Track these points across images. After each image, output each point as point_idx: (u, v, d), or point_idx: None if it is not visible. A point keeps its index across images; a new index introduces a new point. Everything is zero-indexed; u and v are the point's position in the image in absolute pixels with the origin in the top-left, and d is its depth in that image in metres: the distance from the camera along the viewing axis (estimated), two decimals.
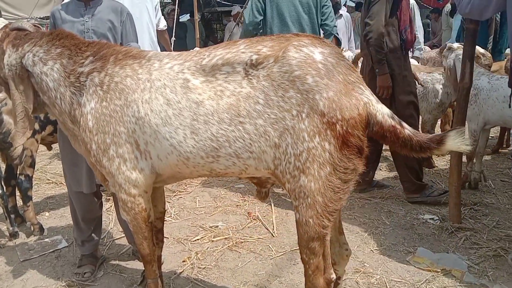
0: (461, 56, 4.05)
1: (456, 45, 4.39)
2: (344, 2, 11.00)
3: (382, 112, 1.67)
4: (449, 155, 3.74)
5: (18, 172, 3.39)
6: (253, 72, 1.72)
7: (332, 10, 4.14)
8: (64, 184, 4.40)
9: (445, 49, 4.38)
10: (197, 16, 7.70)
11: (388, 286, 2.60)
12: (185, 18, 10.44)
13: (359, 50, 6.98)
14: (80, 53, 2.07)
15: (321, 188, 1.66)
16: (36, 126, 3.31)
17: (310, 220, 1.70)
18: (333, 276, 1.87)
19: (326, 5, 4.06)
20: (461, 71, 3.15)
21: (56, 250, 3.15)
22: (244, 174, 1.90)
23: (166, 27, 5.09)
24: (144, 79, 1.89)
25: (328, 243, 1.82)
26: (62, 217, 3.75)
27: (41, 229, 3.40)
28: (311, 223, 1.70)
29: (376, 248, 3.06)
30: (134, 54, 2.00)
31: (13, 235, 3.30)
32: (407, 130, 1.68)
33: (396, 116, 1.71)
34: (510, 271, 2.71)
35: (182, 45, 7.97)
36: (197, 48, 6.87)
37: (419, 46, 6.00)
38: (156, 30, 4.60)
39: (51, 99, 2.13)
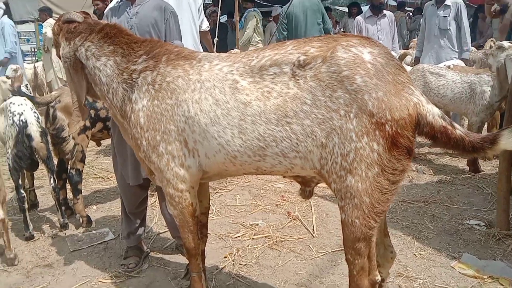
0: None
1: (507, 44, 4.23)
2: (386, 1, 10.81)
3: (433, 112, 1.64)
4: (497, 160, 3.61)
5: (69, 167, 3.55)
6: (300, 73, 1.73)
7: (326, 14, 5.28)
8: (110, 179, 4.61)
9: (494, 48, 4.23)
10: (237, 17, 7.76)
11: None
12: (223, 19, 10.55)
13: (403, 50, 6.88)
14: (133, 52, 2.14)
15: (368, 188, 1.65)
16: (87, 123, 3.46)
17: (357, 220, 1.69)
18: (378, 277, 1.85)
19: (324, 12, 5.72)
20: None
21: (103, 242, 3.28)
22: (289, 173, 1.92)
23: (209, 28, 5.17)
24: (194, 79, 1.94)
25: (374, 245, 1.81)
26: (108, 211, 3.89)
27: (89, 221, 3.55)
28: (357, 223, 1.70)
29: (420, 252, 3.00)
30: (186, 55, 2.06)
31: (64, 226, 3.46)
32: (459, 130, 1.65)
33: (447, 117, 1.68)
34: None
35: (222, 46, 8.07)
36: (236, 50, 6.94)
37: (466, 47, 5.81)
38: (199, 31, 4.69)
39: (103, 92, 2.22)
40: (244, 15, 7.70)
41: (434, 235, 3.25)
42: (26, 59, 10.55)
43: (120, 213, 3.09)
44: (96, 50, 2.18)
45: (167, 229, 3.24)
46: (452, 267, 2.81)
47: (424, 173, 4.67)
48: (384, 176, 1.64)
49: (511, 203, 3.28)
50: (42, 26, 8.56)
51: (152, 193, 4.01)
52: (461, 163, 4.94)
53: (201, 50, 4.64)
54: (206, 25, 4.94)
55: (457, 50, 5.91)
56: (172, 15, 2.79)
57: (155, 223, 3.59)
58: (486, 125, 5.24)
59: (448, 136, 1.64)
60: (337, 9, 12.60)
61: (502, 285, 2.61)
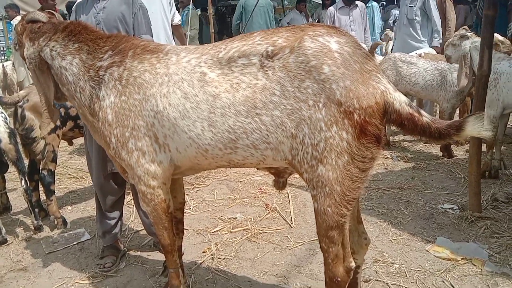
0: (478, 44, 3.99)
1: (469, 33, 4.32)
2: None
3: (400, 100, 1.66)
4: (468, 143, 3.70)
5: (41, 167, 3.47)
6: (268, 64, 1.72)
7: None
8: (85, 178, 4.53)
9: (456, 38, 4.30)
10: (211, 10, 7.70)
11: (407, 275, 2.60)
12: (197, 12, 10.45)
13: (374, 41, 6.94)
14: (98, 48, 2.10)
15: (339, 177, 1.66)
16: (57, 122, 3.38)
17: (329, 209, 1.71)
18: (353, 264, 1.87)
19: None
20: (479, 58, 3.10)
21: (79, 242, 3.23)
22: (262, 165, 1.91)
23: (181, 22, 5.11)
24: (162, 73, 1.92)
25: (347, 232, 1.83)
26: (84, 211, 3.83)
27: (64, 222, 3.48)
28: (330, 212, 1.71)
29: (395, 238, 3.06)
30: (152, 49, 2.03)
31: (38, 229, 3.39)
32: (425, 117, 1.67)
33: (413, 104, 1.70)
34: None
35: (197, 40, 8.00)
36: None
37: (437, 35, 5.90)
38: (171, 25, 4.64)
39: (71, 91, 2.18)
40: (184, 13, 7.64)
41: (409, 220, 3.31)
42: None
43: (95, 213, 3.04)
44: (61, 49, 2.14)
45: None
46: (427, 250, 2.87)
47: (398, 160, 4.75)
48: (354, 164, 1.65)
49: (482, 186, 3.37)
50: (11, 23, 8.34)
51: (128, 191, 3.96)
52: (435, 150, 5.04)
53: (174, 44, 4.59)
54: (178, 19, 4.90)
55: (423, 39, 5.97)
56: (140, 8, 2.74)
57: (132, 221, 3.55)
58: (457, 111, 5.34)
59: (415, 123, 1.66)
60: (312, 1, 12.62)
61: (475, 265, 2.68)
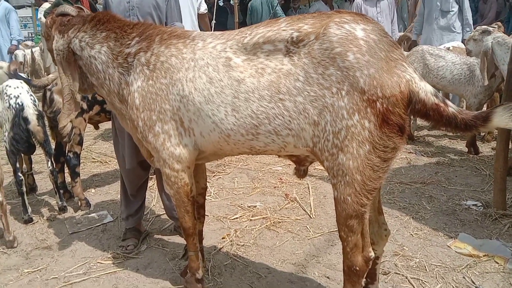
0: (500, 39, 3.89)
1: (491, 28, 4.20)
2: None
3: (425, 90, 1.63)
4: (496, 141, 3.61)
5: (67, 150, 3.55)
6: (294, 49, 1.72)
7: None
8: (109, 163, 4.62)
9: (478, 33, 4.18)
10: (236, 0, 7.70)
11: (427, 270, 2.58)
12: (221, 2, 10.48)
13: (402, 33, 6.82)
14: (126, 35, 2.13)
15: (359, 166, 1.65)
16: (84, 106, 3.46)
17: (348, 198, 1.70)
18: (372, 254, 1.86)
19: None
20: (510, 53, 3.00)
21: (102, 224, 3.30)
22: (283, 152, 1.92)
23: (207, 11, 5.13)
24: (188, 58, 1.93)
25: (367, 222, 1.82)
26: (107, 194, 3.91)
27: (88, 204, 3.57)
28: (349, 201, 1.70)
29: (416, 232, 3.02)
30: (179, 34, 2.05)
31: (62, 209, 3.48)
32: (451, 108, 1.64)
33: (439, 94, 1.67)
34: None
35: (221, 29, 8.03)
36: None
37: (468, 28, 5.76)
38: (197, 13, 4.67)
39: (100, 80, 2.22)
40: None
41: (431, 215, 3.26)
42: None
43: (119, 196, 3.10)
44: (89, 39, 2.18)
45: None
46: (448, 246, 2.83)
47: (422, 155, 4.67)
48: (375, 154, 1.63)
49: (507, 183, 3.30)
50: (38, 11, 8.51)
51: (151, 176, 4.02)
52: (460, 145, 4.94)
53: None
54: (204, 8, 4.92)
55: (459, 32, 5.87)
56: None
57: (154, 205, 3.61)
58: (485, 107, 5.21)
59: (441, 113, 1.63)
60: None
61: (497, 263, 2.63)
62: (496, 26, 4.45)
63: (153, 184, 3.89)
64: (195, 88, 1.89)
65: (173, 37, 2.03)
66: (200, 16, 4.84)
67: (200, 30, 4.94)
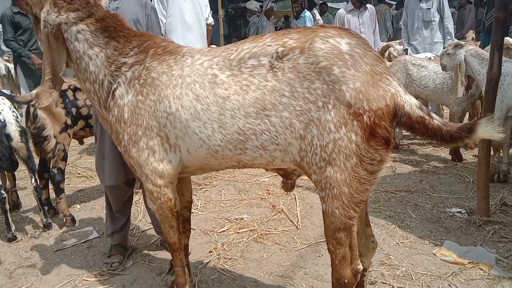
0: (473, 51, 4.01)
1: (462, 41, 4.32)
2: None
3: (410, 102, 1.66)
4: (477, 148, 3.67)
5: (51, 166, 3.50)
6: (278, 65, 1.73)
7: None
8: (94, 177, 4.57)
9: (451, 47, 4.28)
10: (221, 13, 7.75)
11: (413, 278, 2.60)
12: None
13: (385, 43, 6.95)
14: (128, 45, 2.09)
15: (347, 179, 1.66)
16: (68, 121, 3.43)
17: (336, 210, 1.71)
18: (360, 266, 1.87)
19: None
20: (489, 61, 3.08)
21: (87, 240, 3.25)
22: (270, 166, 1.92)
23: (213, 23, 5.21)
24: (176, 75, 1.93)
25: (355, 234, 1.83)
26: (92, 209, 3.86)
27: (73, 220, 3.51)
28: (337, 213, 1.71)
29: (402, 241, 3.05)
30: (171, 50, 2.03)
31: (47, 226, 3.43)
32: (436, 120, 1.66)
33: (424, 107, 1.70)
34: None
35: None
36: (214, 46, 6.99)
37: (449, 37, 5.89)
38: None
39: (88, 79, 2.14)
40: None
41: (417, 223, 3.30)
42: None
43: (105, 212, 3.07)
44: (91, 37, 2.09)
45: (152, 226, 3.23)
46: (434, 254, 2.86)
47: (406, 163, 4.73)
48: (362, 166, 1.65)
49: (490, 190, 3.35)
50: None
51: (137, 190, 3.99)
52: (443, 153, 5.02)
53: (206, 43, 4.72)
54: (211, 20, 5.03)
55: (441, 41, 6.00)
56: (152, 10, 2.77)
57: (140, 220, 3.57)
58: (467, 115, 5.32)
59: (426, 126, 1.65)
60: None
61: (482, 269, 2.66)
62: (468, 38, 4.57)
63: (139, 199, 3.86)
64: (182, 106, 1.89)
65: (166, 52, 2.02)
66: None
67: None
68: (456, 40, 4.59)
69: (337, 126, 1.63)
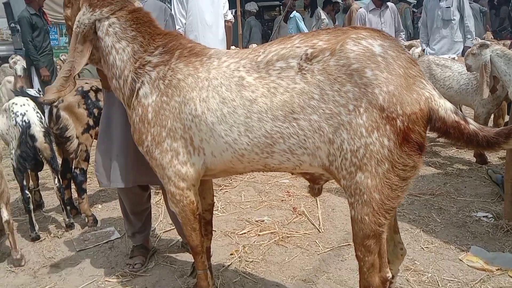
0: (499, 51, 3.90)
1: (488, 41, 4.21)
2: None
3: (445, 107, 1.60)
4: (504, 150, 3.58)
5: (73, 166, 3.53)
6: (307, 67, 1.69)
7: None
8: None
9: (476, 47, 4.18)
10: (239, 12, 7.74)
11: (440, 285, 2.53)
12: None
13: (408, 42, 6.85)
14: (152, 43, 2.08)
15: (378, 185, 1.62)
16: (91, 122, 3.44)
17: (366, 217, 1.67)
18: (389, 274, 1.83)
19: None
20: None
21: (109, 241, 3.27)
22: (298, 170, 1.89)
23: (233, 19, 5.21)
24: (203, 77, 1.91)
25: (384, 241, 1.78)
26: (114, 210, 3.88)
27: (95, 220, 3.54)
28: (367, 220, 1.67)
29: (427, 246, 2.99)
30: (197, 52, 2.01)
31: (69, 226, 3.45)
32: (472, 125, 1.61)
33: (459, 112, 1.64)
34: None
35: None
36: (254, 45, 6.99)
37: (469, 36, 5.77)
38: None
39: (114, 74, 2.14)
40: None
41: (442, 228, 3.23)
42: None
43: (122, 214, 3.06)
44: (119, 30, 2.09)
45: (173, 227, 3.23)
46: (460, 260, 2.79)
47: (430, 165, 4.65)
48: (394, 173, 1.60)
49: None
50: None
51: (158, 191, 3.99)
52: (468, 155, 4.91)
53: (225, 43, 4.76)
54: (230, 16, 5.04)
55: (461, 40, 5.89)
56: (170, 16, 2.78)
57: (161, 221, 3.57)
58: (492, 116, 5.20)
59: (461, 131, 1.60)
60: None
61: (511, 277, 2.59)
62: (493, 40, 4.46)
63: (160, 199, 3.86)
64: (208, 108, 1.86)
65: (192, 54, 2.00)
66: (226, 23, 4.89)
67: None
68: (481, 40, 4.48)
69: (369, 130, 1.58)
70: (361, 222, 1.69)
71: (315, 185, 2.07)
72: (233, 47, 6.65)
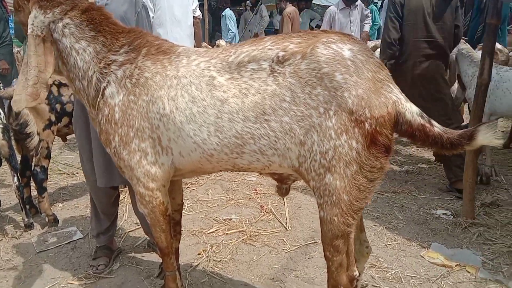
0: (464, 51, 4.05)
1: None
2: None
3: (411, 110, 1.65)
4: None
5: (33, 163, 3.39)
6: (279, 69, 1.70)
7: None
8: (76, 175, 4.45)
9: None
10: (206, 6, 7.68)
11: (403, 281, 2.62)
12: None
13: (372, 43, 6.99)
14: (116, 42, 2.01)
15: (346, 186, 1.65)
16: (52, 118, 3.32)
17: (335, 218, 1.69)
18: (356, 273, 1.87)
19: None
20: (480, 66, 3.11)
21: (71, 241, 3.16)
22: (267, 170, 1.89)
23: (201, 16, 5.14)
24: (171, 75, 1.87)
25: (352, 241, 1.82)
26: (75, 208, 3.76)
27: (56, 220, 3.42)
28: (336, 221, 1.70)
29: (390, 243, 3.07)
30: (165, 49, 1.97)
31: (28, 226, 3.32)
32: (437, 128, 1.66)
33: (425, 115, 1.69)
34: None
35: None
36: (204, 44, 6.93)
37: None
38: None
39: (77, 75, 2.06)
40: None
41: (404, 225, 3.33)
42: None
43: (89, 212, 2.98)
44: (76, 30, 2.01)
45: (138, 227, 3.17)
46: (422, 256, 2.89)
47: (391, 163, 4.77)
48: (362, 174, 1.64)
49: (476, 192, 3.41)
50: None
51: (122, 189, 3.90)
52: (427, 154, 5.08)
53: (193, 38, 4.69)
54: (199, 13, 4.96)
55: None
56: (143, 7, 2.69)
57: (125, 220, 3.50)
58: None
59: (427, 133, 1.65)
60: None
61: (469, 272, 2.71)
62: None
63: (124, 198, 3.78)
64: (177, 107, 1.83)
65: (160, 52, 1.95)
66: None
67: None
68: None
69: (338, 133, 1.61)
70: (330, 223, 1.71)
71: (283, 185, 2.08)
72: (204, 44, 6.59)
